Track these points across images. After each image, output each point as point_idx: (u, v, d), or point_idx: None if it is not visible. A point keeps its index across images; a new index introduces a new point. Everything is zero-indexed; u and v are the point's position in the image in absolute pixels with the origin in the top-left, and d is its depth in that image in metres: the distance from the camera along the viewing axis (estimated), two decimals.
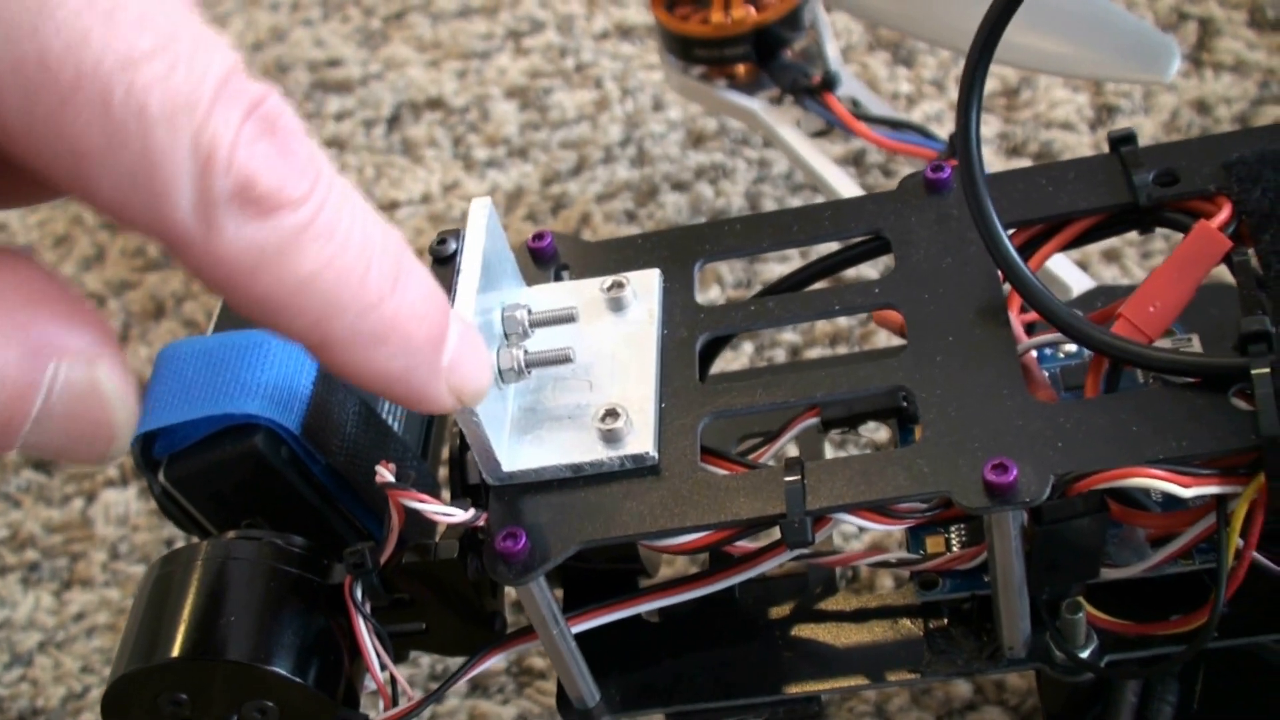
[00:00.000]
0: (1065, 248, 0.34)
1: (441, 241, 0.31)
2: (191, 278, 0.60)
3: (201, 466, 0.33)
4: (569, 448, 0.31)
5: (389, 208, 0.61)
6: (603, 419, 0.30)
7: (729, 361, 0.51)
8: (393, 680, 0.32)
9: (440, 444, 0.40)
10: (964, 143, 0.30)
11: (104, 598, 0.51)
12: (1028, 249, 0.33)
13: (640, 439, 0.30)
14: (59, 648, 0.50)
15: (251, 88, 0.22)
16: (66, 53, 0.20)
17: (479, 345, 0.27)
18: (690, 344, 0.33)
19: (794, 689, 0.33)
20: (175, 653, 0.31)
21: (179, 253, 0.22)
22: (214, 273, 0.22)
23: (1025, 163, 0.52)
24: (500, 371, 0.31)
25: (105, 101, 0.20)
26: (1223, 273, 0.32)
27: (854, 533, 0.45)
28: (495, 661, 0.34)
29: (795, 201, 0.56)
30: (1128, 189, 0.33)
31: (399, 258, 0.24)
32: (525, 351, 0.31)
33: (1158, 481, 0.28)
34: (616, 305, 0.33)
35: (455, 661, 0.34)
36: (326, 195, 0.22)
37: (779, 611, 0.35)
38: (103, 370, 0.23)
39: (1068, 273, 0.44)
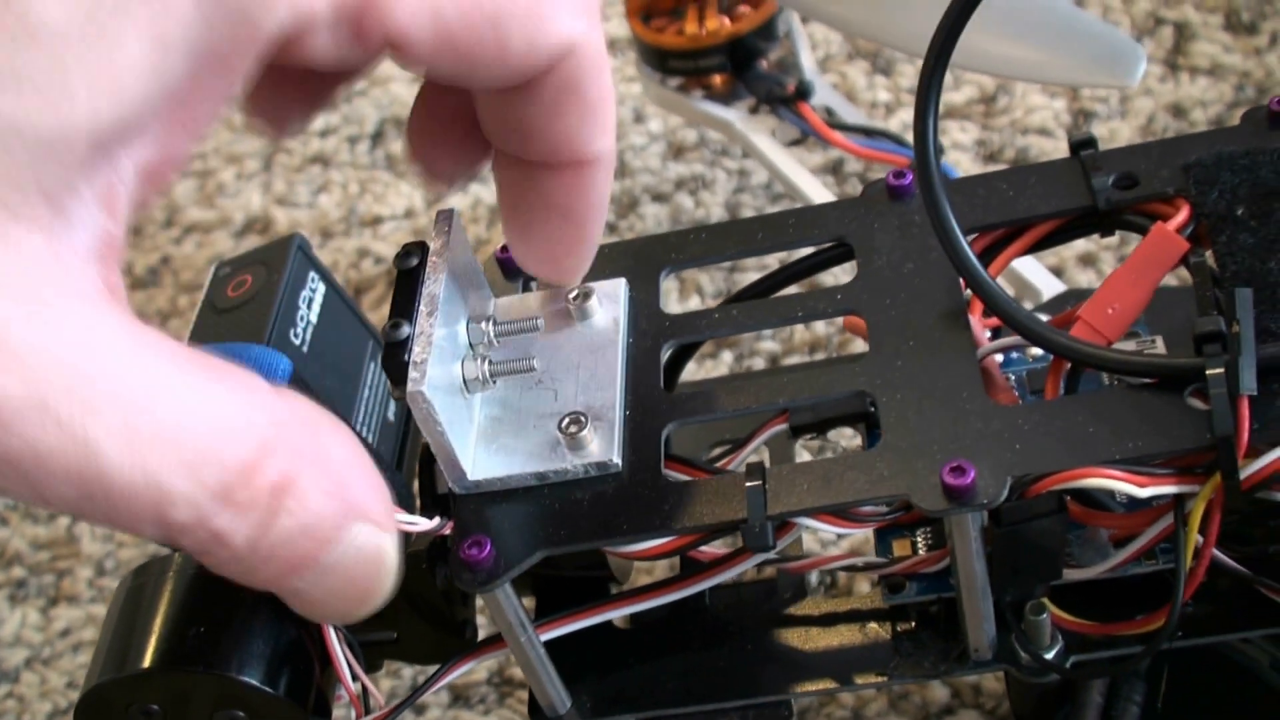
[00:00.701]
0: (1026, 252, 0.34)
1: (406, 254, 0.32)
2: (176, 296, 0.60)
3: None
4: (534, 456, 0.31)
5: (372, 223, 0.62)
6: (567, 427, 0.31)
7: (709, 370, 0.51)
8: (364, 690, 0.33)
9: (415, 457, 0.40)
10: (921, 147, 0.30)
11: (90, 614, 0.51)
12: (989, 254, 0.34)
13: (604, 446, 0.31)
14: (45, 664, 0.50)
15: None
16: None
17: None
18: (655, 352, 0.33)
19: (763, 693, 0.33)
20: (147, 663, 0.31)
21: None
22: None
23: (1003, 169, 0.53)
24: (465, 381, 0.31)
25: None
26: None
27: (832, 539, 0.46)
28: (468, 670, 0.34)
29: (774, 211, 0.56)
30: (1087, 192, 0.33)
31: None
32: (490, 361, 0.31)
33: (1114, 482, 0.28)
34: (582, 314, 0.33)
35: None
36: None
37: (749, 617, 0.35)
38: (389, 541, 0.25)
39: (1038, 277, 0.44)
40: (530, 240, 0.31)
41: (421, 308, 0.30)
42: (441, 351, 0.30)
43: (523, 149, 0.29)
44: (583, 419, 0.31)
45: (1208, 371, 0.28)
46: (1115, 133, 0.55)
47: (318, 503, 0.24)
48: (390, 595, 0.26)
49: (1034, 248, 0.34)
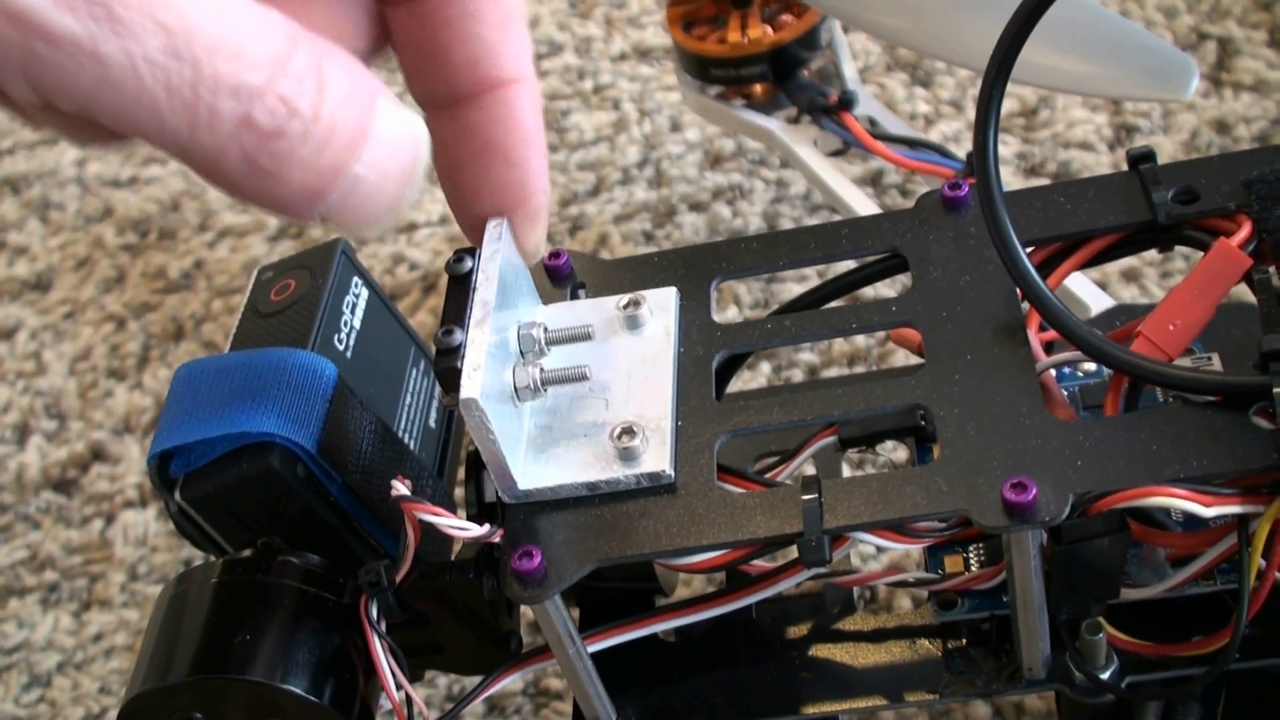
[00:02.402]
0: (1084, 266, 0.33)
1: (459, 260, 0.31)
2: (210, 300, 0.60)
3: (218, 485, 0.33)
4: (585, 466, 0.30)
5: (408, 229, 0.62)
6: (619, 437, 0.30)
7: (746, 381, 0.51)
8: (408, 700, 0.32)
9: (457, 464, 0.40)
10: (981, 160, 0.30)
11: (122, 619, 0.51)
12: (1046, 267, 0.33)
13: (656, 457, 0.30)
14: (78, 668, 0.50)
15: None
16: None
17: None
18: (707, 362, 0.33)
19: (811, 709, 0.33)
20: (189, 672, 0.31)
21: None
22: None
23: (1043, 182, 0.52)
24: (516, 389, 0.31)
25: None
26: (1242, 292, 0.32)
27: (872, 553, 0.45)
28: (511, 681, 0.34)
29: (813, 221, 0.56)
30: (1147, 207, 0.33)
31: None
32: (541, 370, 0.31)
33: (1178, 501, 0.28)
34: (633, 323, 0.33)
35: (472, 682, 0.34)
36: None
37: (796, 631, 0.35)
38: (410, 112, 0.27)
39: (1086, 291, 0.43)
40: (479, 190, 0.32)
41: (474, 314, 0.30)
42: (493, 359, 0.30)
43: (446, 69, 0.30)
44: (635, 429, 0.30)
45: (1275, 390, 0.28)
46: (1158, 148, 0.55)
47: (348, 80, 0.26)
48: (425, 172, 0.27)
49: (1091, 262, 0.33)
